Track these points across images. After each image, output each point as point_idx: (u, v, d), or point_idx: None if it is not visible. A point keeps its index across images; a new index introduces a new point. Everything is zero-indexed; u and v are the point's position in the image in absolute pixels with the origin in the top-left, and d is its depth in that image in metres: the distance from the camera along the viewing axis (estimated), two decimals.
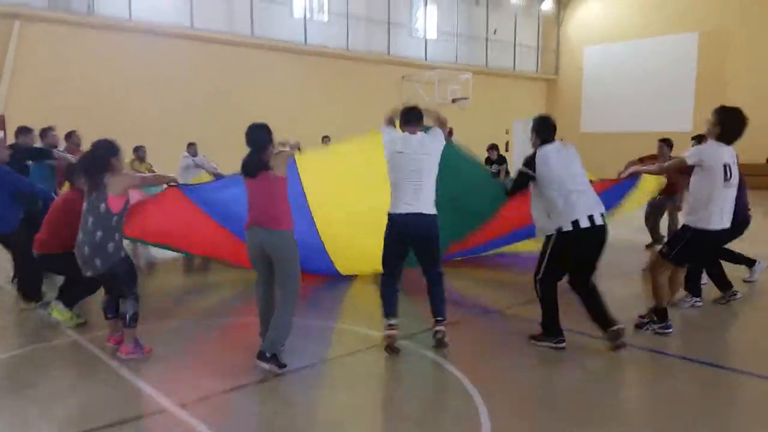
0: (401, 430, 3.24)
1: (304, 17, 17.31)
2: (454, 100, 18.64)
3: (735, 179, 4.54)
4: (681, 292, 5.41)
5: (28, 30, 12.84)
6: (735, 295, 5.56)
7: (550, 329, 4.42)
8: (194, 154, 10.20)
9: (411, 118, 4.28)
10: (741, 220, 5.38)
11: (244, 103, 14.71)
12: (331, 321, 5.14)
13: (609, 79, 22.85)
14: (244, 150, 4.00)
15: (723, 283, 5.63)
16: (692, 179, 4.63)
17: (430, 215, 4.19)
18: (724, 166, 4.45)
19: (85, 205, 4.12)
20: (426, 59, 20.33)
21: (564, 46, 24.62)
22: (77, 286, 4.90)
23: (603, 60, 23.12)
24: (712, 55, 20.34)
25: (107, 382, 3.81)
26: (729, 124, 4.51)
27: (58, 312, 4.87)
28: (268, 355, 3.88)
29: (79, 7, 13.53)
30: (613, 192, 5.90)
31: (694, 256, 4.90)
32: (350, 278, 6.43)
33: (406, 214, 4.14)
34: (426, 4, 20.74)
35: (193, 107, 15.05)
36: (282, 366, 3.88)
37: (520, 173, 4.43)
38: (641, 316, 4.89)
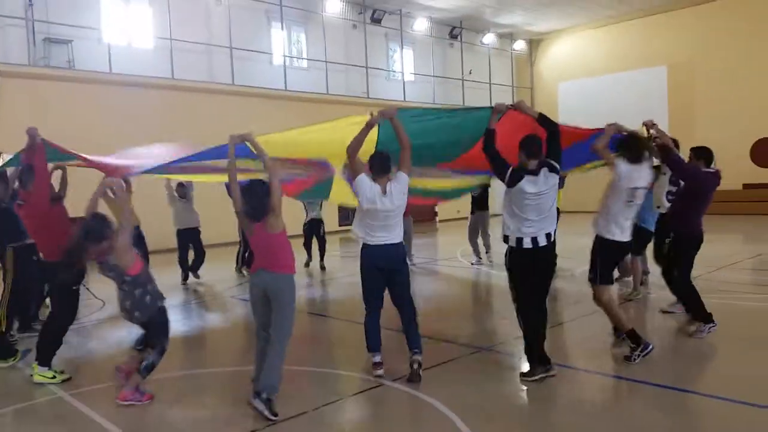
0: None
1: (284, 64, 17.61)
2: None
3: (639, 200, 4.94)
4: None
5: (8, 85, 12.89)
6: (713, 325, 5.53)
7: (538, 359, 4.44)
8: (183, 197, 10.02)
9: (381, 169, 4.48)
10: (696, 235, 5.56)
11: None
12: (322, 366, 5.07)
13: (584, 113, 23.26)
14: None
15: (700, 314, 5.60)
16: (607, 188, 4.99)
17: (397, 243, 4.58)
18: (632, 189, 4.83)
19: (114, 282, 4.26)
20: (405, 100, 20.69)
21: (538, 83, 25.25)
22: (50, 336, 4.86)
23: (577, 95, 23.69)
24: (682, 88, 20.97)
25: None
26: (629, 147, 4.91)
27: (40, 375, 4.76)
28: (264, 396, 3.86)
29: (59, 62, 13.64)
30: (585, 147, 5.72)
31: (613, 269, 5.19)
32: (340, 323, 6.36)
33: (379, 245, 4.52)
34: (402, 48, 21.22)
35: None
36: (274, 414, 3.81)
37: (503, 167, 4.47)
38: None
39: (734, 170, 19.65)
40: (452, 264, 10.73)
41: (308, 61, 18.70)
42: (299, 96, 17.53)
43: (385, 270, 4.55)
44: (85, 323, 7.00)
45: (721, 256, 10.18)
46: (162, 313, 4.36)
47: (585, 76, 23.40)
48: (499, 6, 20.30)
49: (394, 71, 21.45)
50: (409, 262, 5.67)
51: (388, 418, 4.01)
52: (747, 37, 19.65)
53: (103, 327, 6.81)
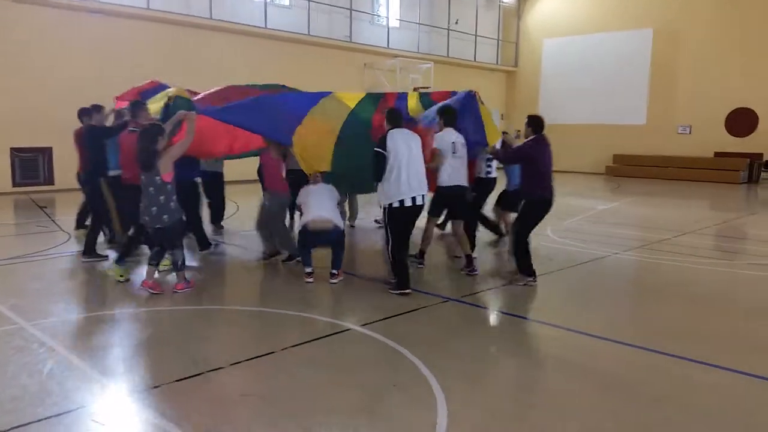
0: (358, 417, 3.23)
1: (264, 1, 17.00)
2: (415, 89, 18.65)
3: (460, 153, 6.20)
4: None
5: None
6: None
7: (400, 282, 5.44)
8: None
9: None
10: (537, 200, 5.83)
11: (201, 85, 14.34)
12: (292, 309, 5.09)
13: (567, 71, 23.25)
14: None
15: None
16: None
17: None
18: (452, 144, 6.13)
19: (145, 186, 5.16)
20: (388, 47, 20.26)
21: (523, 38, 24.91)
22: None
23: (561, 53, 23.50)
24: (666, 52, 20.92)
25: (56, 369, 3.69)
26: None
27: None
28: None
29: None
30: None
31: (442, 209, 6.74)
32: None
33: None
34: None
35: None
36: None
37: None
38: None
39: (707, 138, 19.96)
40: None
41: (290, 0, 18.08)
42: (279, 35, 17.02)
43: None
44: (52, 255, 6.92)
45: (687, 222, 10.43)
46: (182, 223, 5.37)
47: (571, 34, 23.16)
48: None
49: (379, 15, 20.91)
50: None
51: (353, 360, 4.06)
52: (733, 7, 19.58)
53: (65, 260, 6.73)
